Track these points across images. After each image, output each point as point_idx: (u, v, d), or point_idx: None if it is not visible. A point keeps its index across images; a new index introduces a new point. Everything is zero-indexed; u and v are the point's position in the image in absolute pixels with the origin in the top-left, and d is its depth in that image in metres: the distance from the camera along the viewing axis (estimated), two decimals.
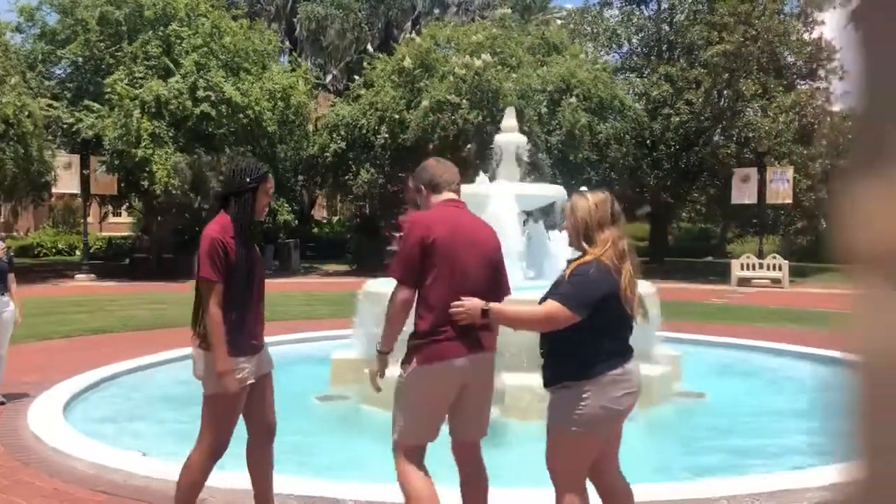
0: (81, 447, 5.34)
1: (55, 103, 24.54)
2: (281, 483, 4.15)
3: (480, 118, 24.52)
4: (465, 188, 9.11)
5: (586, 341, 3.23)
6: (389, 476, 3.58)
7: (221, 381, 3.59)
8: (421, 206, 3.68)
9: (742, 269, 25.86)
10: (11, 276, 7.03)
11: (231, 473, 4.56)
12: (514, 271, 7.50)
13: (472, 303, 3.34)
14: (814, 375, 8.75)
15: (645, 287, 8.07)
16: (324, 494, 4.33)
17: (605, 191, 3.53)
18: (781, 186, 26.62)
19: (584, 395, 3.20)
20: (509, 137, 9.44)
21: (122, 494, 4.57)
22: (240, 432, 3.93)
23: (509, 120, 9.60)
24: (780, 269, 25.36)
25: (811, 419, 6.82)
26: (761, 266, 25.74)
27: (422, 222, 3.48)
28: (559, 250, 7.49)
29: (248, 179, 3.74)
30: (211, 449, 3.74)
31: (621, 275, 3.23)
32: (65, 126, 24.90)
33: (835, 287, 24.76)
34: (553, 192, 8.99)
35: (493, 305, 3.37)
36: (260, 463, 3.94)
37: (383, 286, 8.03)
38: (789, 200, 27.07)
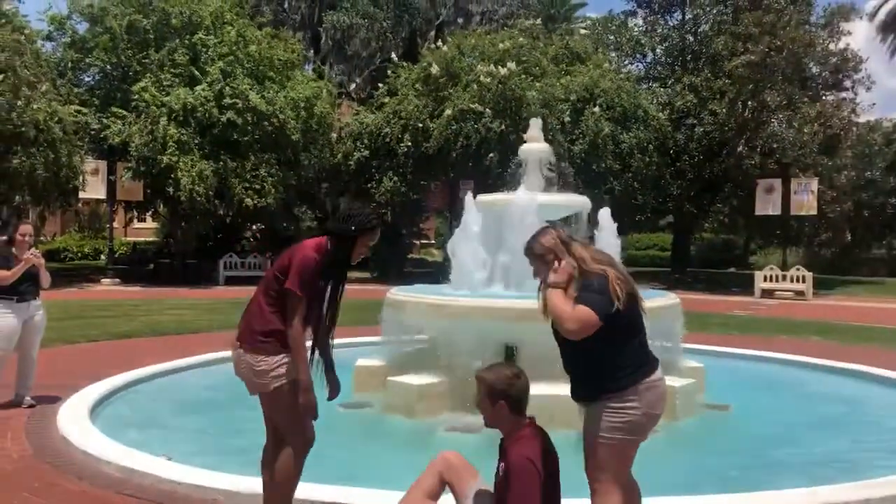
0: (110, 451, 5.40)
1: (84, 109, 24.89)
2: (300, 489, 4.17)
3: (503, 127, 24.55)
4: (489, 197, 9.17)
5: (617, 353, 3.27)
6: (409, 484, 3.60)
7: (305, 394, 3.66)
8: (502, 423, 3.44)
9: (766, 280, 25.65)
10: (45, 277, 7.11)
11: (242, 478, 4.62)
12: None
13: (563, 264, 3.35)
14: (840, 389, 8.67)
15: (668, 298, 8.06)
16: (343, 501, 4.36)
17: (546, 223, 3.58)
18: (806, 198, 26.37)
19: (629, 405, 3.26)
20: (534, 147, 9.48)
21: (149, 498, 4.62)
22: (256, 438, 3.97)
23: (534, 130, 9.63)
24: (803, 281, 25.12)
25: (837, 433, 6.77)
26: (785, 278, 25.51)
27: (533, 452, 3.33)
28: None
29: (353, 227, 3.77)
30: (302, 441, 3.81)
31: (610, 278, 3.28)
32: (92, 132, 25.26)
33: (859, 300, 24.49)
34: (577, 202, 8.98)
35: (551, 288, 3.35)
36: (273, 467, 3.97)
37: (406, 295, 8.09)
38: (814, 212, 26.83)
